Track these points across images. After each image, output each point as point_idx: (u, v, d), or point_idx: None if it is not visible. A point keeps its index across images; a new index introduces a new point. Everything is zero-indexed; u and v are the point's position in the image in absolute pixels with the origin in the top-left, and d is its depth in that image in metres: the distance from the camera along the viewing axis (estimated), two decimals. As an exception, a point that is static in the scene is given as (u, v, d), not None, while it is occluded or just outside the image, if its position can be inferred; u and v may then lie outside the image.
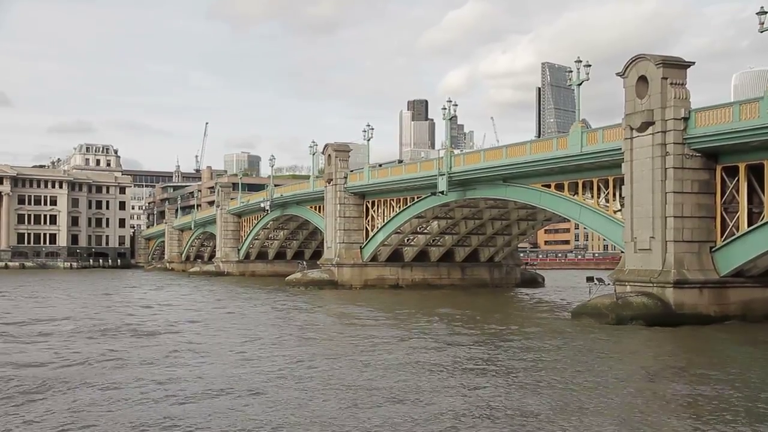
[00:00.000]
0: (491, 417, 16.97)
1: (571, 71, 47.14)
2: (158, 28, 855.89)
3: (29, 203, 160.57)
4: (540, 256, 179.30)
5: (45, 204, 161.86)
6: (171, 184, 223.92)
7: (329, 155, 74.98)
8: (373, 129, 71.64)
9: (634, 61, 38.88)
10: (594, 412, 17.43)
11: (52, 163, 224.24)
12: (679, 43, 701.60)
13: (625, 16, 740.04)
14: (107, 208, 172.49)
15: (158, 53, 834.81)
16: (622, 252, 41.81)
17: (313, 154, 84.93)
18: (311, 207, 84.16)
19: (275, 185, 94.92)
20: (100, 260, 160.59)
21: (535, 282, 77.87)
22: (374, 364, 24.29)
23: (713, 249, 37.08)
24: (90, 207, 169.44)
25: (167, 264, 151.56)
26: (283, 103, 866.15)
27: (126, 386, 20.30)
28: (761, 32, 34.97)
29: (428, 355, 26.30)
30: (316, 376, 22.16)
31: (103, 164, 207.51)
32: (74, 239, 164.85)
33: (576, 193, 46.90)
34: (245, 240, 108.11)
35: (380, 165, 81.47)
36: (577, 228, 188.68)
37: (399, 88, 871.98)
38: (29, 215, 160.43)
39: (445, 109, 59.74)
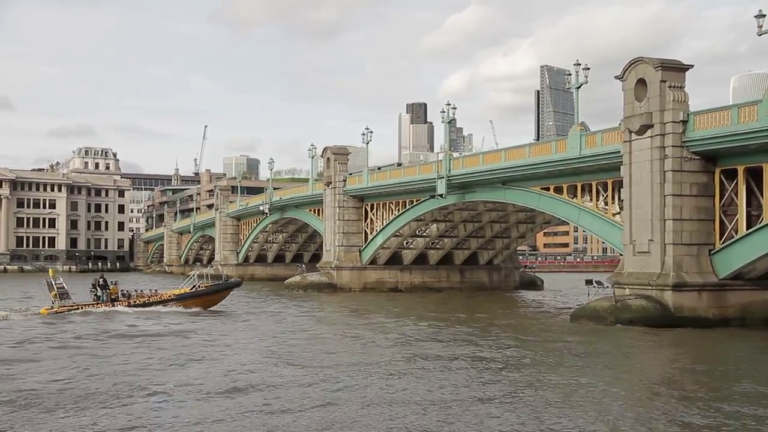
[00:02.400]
0: (489, 420, 16.96)
1: (570, 74, 47.22)
2: (159, 32, 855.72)
3: (28, 206, 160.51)
4: (539, 258, 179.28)
5: (44, 207, 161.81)
6: (170, 188, 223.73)
7: (328, 158, 75.03)
8: (372, 132, 71.79)
9: (632, 64, 38.92)
10: (594, 417, 17.42)
11: (51, 166, 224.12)
12: (680, 47, 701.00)
13: (626, 20, 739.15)
14: (106, 211, 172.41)
15: (159, 57, 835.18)
16: (620, 255, 41.83)
17: (312, 157, 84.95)
18: (310, 210, 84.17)
19: (274, 188, 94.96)
20: (99, 263, 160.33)
21: (534, 285, 77.88)
22: (375, 371, 24.28)
23: (712, 252, 37.09)
24: (89, 210, 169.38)
25: (166, 267, 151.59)
26: (283, 107, 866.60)
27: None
28: (759, 35, 35.06)
29: (425, 359, 26.28)
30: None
31: (102, 167, 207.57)
32: (73, 242, 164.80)
33: (575, 195, 46.94)
34: (244, 243, 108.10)
35: (379, 168, 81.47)
36: (576, 231, 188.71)
37: (400, 92, 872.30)
38: (28, 218, 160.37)
39: (444, 112, 59.80)
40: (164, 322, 39.14)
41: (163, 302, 45.70)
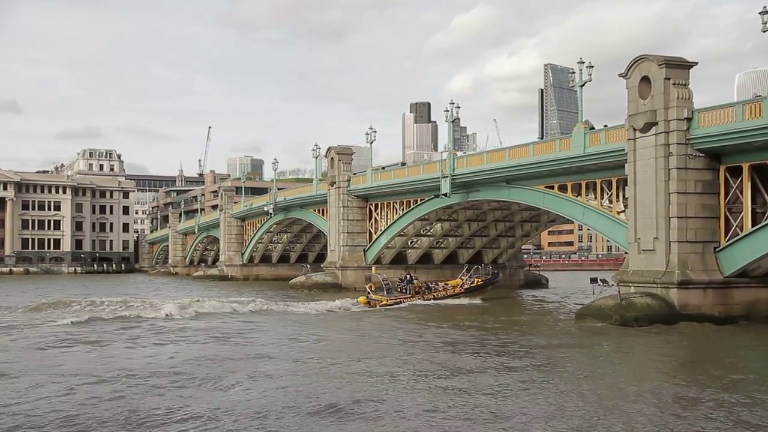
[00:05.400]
0: (495, 419, 16.95)
1: (574, 72, 47.13)
2: (165, 35, 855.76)
3: (33, 208, 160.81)
4: (544, 257, 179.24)
5: (49, 209, 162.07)
6: (174, 189, 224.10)
7: (332, 158, 75.04)
8: (375, 132, 71.82)
9: (636, 61, 38.82)
10: (598, 416, 17.39)
11: (56, 168, 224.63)
12: (686, 45, 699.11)
13: (632, 19, 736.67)
14: (111, 212, 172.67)
15: (165, 59, 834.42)
16: (625, 253, 41.76)
17: (316, 157, 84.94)
18: (314, 210, 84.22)
19: (278, 189, 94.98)
20: (104, 265, 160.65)
21: (539, 283, 77.78)
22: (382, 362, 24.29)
23: (717, 249, 36.98)
24: (94, 212, 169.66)
25: (171, 268, 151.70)
26: (289, 108, 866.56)
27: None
28: (764, 32, 34.97)
29: (432, 356, 26.27)
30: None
31: (106, 169, 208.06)
32: (78, 244, 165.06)
33: (579, 194, 46.87)
34: (249, 243, 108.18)
35: (383, 168, 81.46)
36: (580, 229, 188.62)
37: (405, 92, 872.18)
38: (33, 220, 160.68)
39: (448, 111, 59.81)
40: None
41: (457, 295, 52.64)
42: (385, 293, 50.82)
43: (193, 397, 19.21)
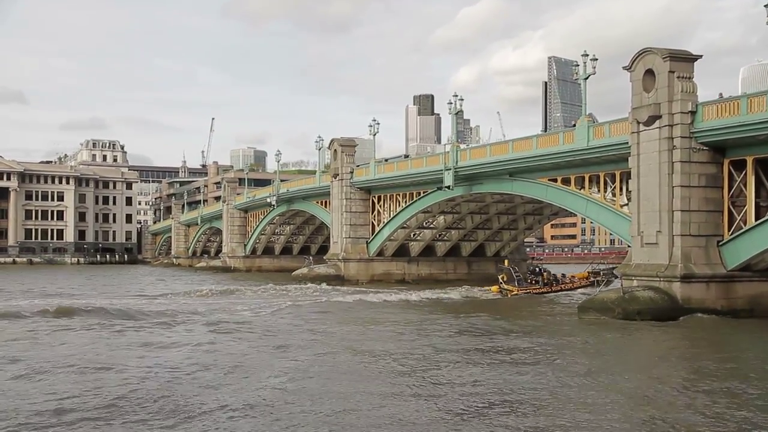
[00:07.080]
0: (498, 410, 16.97)
1: (578, 65, 46.98)
2: (171, 26, 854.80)
3: (36, 199, 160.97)
4: (546, 250, 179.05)
5: (52, 199, 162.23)
6: (177, 180, 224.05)
7: (335, 150, 74.97)
8: (378, 124, 71.82)
9: (640, 54, 38.67)
10: (599, 412, 17.39)
11: (59, 158, 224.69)
12: (693, 38, 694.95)
13: (637, 12, 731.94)
14: (114, 203, 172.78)
15: (171, 50, 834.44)
16: (628, 246, 41.72)
17: (320, 149, 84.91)
18: (317, 202, 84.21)
19: (282, 180, 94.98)
20: (107, 256, 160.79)
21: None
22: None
23: (720, 243, 36.91)
24: (97, 202, 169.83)
25: (174, 259, 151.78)
26: (293, 100, 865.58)
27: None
28: (769, 24, 34.84)
29: (436, 347, 26.31)
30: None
31: (109, 159, 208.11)
32: (81, 235, 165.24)
33: (582, 187, 46.79)
34: (251, 235, 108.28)
35: (386, 160, 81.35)
36: (583, 222, 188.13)
37: (410, 85, 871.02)
38: (36, 211, 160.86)
39: (451, 103, 59.73)
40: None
41: (584, 286, 55.40)
42: (516, 284, 53.83)
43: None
